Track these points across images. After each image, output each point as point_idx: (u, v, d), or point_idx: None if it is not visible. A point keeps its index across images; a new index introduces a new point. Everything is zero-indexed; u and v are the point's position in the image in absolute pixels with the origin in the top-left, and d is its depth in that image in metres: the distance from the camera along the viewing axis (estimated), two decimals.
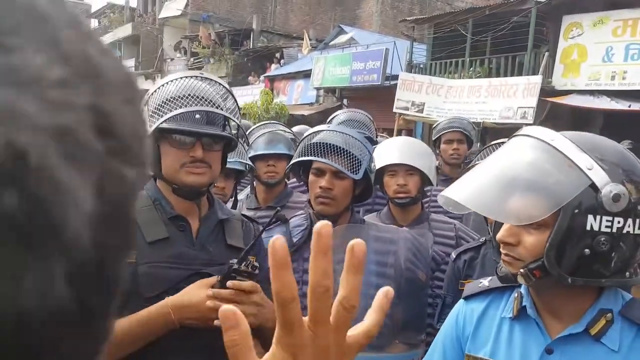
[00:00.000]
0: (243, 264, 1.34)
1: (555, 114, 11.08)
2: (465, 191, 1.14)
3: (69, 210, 0.22)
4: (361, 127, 2.98)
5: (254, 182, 2.73)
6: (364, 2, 26.42)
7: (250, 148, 2.68)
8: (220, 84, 1.48)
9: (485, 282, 1.32)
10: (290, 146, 2.72)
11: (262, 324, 1.31)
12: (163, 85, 1.42)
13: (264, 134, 2.78)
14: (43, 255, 0.21)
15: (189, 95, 1.37)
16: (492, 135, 12.81)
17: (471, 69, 13.27)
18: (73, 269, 0.23)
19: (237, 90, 21.48)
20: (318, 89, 17.66)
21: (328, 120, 3.26)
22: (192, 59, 25.15)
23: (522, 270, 1.10)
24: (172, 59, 27.14)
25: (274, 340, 0.47)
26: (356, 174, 1.79)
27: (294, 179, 2.77)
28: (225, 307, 0.44)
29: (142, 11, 31.35)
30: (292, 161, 1.90)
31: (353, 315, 0.49)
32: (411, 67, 14.79)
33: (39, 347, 0.22)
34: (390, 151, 2.39)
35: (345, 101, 17.67)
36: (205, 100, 1.38)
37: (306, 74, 17.99)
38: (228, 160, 1.57)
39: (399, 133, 13.93)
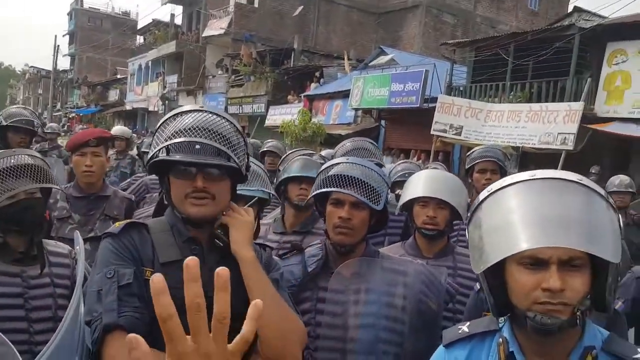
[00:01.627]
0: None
1: (596, 141, 10.85)
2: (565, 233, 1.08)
3: None
4: (368, 155, 3.04)
5: (285, 205, 2.79)
6: (406, 24, 26.56)
7: (283, 171, 2.77)
8: (228, 120, 1.48)
9: (464, 328, 1.29)
10: None
11: None
12: (171, 117, 1.45)
13: (298, 158, 2.88)
14: None
15: (193, 127, 1.38)
16: (531, 160, 12.65)
17: (512, 93, 13.14)
18: None
19: (275, 109, 21.94)
20: (356, 109, 17.76)
21: (335, 150, 3.31)
22: (232, 77, 25.66)
23: (578, 313, 1.08)
24: (213, 76, 27.74)
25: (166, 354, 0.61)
26: (377, 204, 1.83)
27: None
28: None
29: (186, 29, 32.22)
30: (312, 193, 1.93)
31: (226, 326, 0.63)
32: (451, 90, 14.74)
33: None
34: (424, 182, 2.43)
35: (383, 122, 17.72)
36: (209, 132, 1.39)
37: (345, 94, 18.12)
38: (250, 188, 1.62)
39: (436, 155, 13.89)
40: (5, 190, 1.84)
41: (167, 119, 1.46)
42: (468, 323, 1.31)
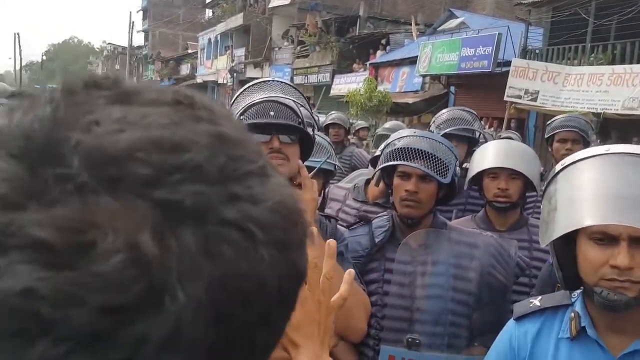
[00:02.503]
0: None
1: None
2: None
3: None
4: (466, 125, 2.93)
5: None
6: None
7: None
8: (293, 88, 1.63)
9: (536, 302, 1.29)
10: None
11: None
12: (247, 88, 1.59)
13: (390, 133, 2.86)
14: None
15: (266, 98, 1.52)
16: (614, 127, 11.91)
17: (592, 55, 12.35)
18: None
19: (341, 78, 21.84)
20: (424, 76, 17.34)
21: (432, 120, 3.21)
22: (298, 47, 25.68)
23: None
24: (279, 48, 27.89)
25: None
26: (444, 177, 1.81)
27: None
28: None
29: (253, 1, 32.43)
30: (379, 166, 1.94)
31: (331, 283, 0.85)
32: (525, 53, 14.06)
33: None
34: (494, 153, 2.33)
35: (452, 89, 17.22)
36: (279, 102, 1.52)
37: (412, 61, 17.71)
38: (316, 159, 1.73)
39: (510, 123, 13.35)
40: None
41: (242, 91, 1.58)
42: (540, 297, 1.31)
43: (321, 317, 0.84)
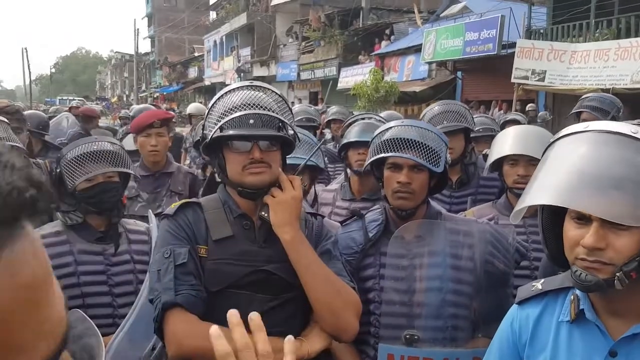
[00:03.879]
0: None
1: None
2: (578, 194, 1.05)
3: None
4: (459, 119, 2.87)
5: (348, 172, 2.76)
6: None
7: (343, 138, 2.73)
8: (272, 91, 1.56)
9: (538, 285, 1.26)
10: None
11: None
12: (219, 98, 1.53)
13: (357, 123, 2.80)
14: None
15: (243, 104, 1.47)
16: (625, 102, 11.68)
17: (597, 30, 12.17)
18: None
19: (347, 71, 21.73)
20: (429, 63, 17.22)
21: (422, 116, 3.21)
22: (303, 43, 25.63)
23: (618, 274, 1.04)
24: (284, 45, 27.86)
25: None
26: (437, 166, 1.76)
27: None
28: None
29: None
30: (368, 159, 1.90)
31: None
32: (530, 33, 13.91)
33: None
34: (513, 140, 2.31)
35: (459, 74, 17.09)
36: (257, 106, 1.47)
37: (417, 49, 17.60)
38: (297, 156, 1.71)
39: (521, 104, 13.22)
40: (84, 173, 1.98)
41: (216, 100, 1.54)
42: (542, 280, 1.28)
43: None
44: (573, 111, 3.45)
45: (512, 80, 12.80)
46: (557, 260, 1.19)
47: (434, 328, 1.71)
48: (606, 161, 1.05)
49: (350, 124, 2.92)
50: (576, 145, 1.11)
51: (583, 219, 1.07)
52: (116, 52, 71.20)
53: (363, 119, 2.98)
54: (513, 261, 1.93)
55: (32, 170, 0.42)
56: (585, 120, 3.34)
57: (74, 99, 22.63)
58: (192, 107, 7.16)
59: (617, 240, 1.04)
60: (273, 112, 1.48)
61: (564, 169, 1.08)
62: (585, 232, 1.06)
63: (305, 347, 1.46)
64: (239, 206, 1.54)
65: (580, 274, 1.06)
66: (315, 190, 2.48)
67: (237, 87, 1.53)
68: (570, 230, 1.10)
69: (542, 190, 1.10)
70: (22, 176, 0.40)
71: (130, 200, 2.82)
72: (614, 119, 3.34)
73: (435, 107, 3.04)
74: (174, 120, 6.91)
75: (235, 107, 1.46)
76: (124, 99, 53.54)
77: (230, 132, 1.46)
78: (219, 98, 1.53)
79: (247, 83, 1.56)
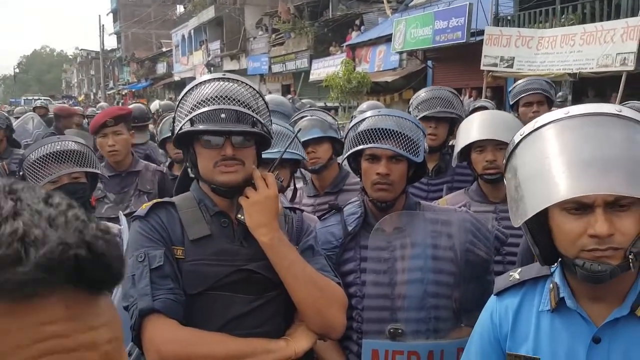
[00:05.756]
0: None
1: None
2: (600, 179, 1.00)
3: None
4: (447, 105, 2.85)
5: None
6: None
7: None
8: (247, 84, 1.48)
9: (515, 275, 1.24)
10: (325, 127, 2.70)
11: None
12: (190, 89, 1.46)
13: (298, 123, 2.78)
14: None
15: (215, 97, 1.39)
16: (591, 85, 11.97)
17: (563, 16, 12.33)
18: None
19: (319, 62, 21.66)
20: (400, 52, 17.28)
21: (410, 103, 3.18)
22: (273, 36, 25.43)
23: (630, 257, 1.01)
24: (254, 38, 27.60)
25: None
26: (416, 156, 1.73)
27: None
28: None
29: None
30: (346, 153, 1.86)
31: None
32: (498, 21, 14.02)
33: None
34: (477, 126, 2.30)
35: (429, 63, 17.18)
36: (231, 100, 1.39)
37: (387, 39, 17.60)
38: (273, 151, 1.64)
39: (490, 91, 13.36)
40: (48, 175, 1.91)
41: (187, 92, 1.47)
42: (520, 269, 1.26)
43: None
44: (516, 98, 3.42)
45: (482, 67, 12.89)
46: (549, 260, 1.15)
47: (417, 320, 1.70)
48: (600, 142, 1.03)
49: (295, 122, 2.88)
50: (565, 133, 1.07)
51: (581, 209, 1.02)
52: (82, 49, 69.69)
53: (306, 116, 2.95)
54: (493, 248, 1.92)
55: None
56: (530, 102, 3.35)
57: (39, 99, 22.08)
58: (163, 105, 7.02)
59: (622, 223, 1.01)
60: (247, 105, 1.41)
61: (567, 159, 1.04)
62: (586, 222, 1.01)
63: (292, 346, 1.41)
64: (215, 204, 1.47)
65: (591, 265, 1.01)
66: (294, 184, 2.44)
67: (210, 79, 1.46)
68: (567, 223, 1.04)
69: (545, 190, 1.04)
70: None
71: (96, 201, 2.73)
72: (551, 101, 3.39)
73: (422, 94, 3.03)
74: (151, 116, 6.76)
75: (208, 100, 1.38)
76: (91, 97, 52.50)
77: (201, 126, 1.38)
78: (190, 89, 1.46)
79: (219, 75, 1.48)
